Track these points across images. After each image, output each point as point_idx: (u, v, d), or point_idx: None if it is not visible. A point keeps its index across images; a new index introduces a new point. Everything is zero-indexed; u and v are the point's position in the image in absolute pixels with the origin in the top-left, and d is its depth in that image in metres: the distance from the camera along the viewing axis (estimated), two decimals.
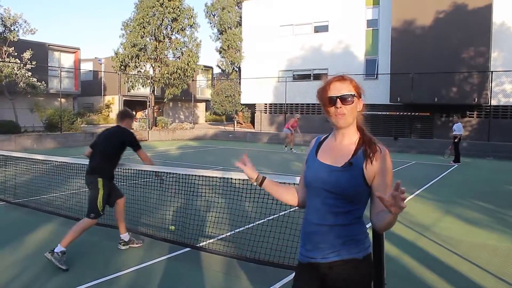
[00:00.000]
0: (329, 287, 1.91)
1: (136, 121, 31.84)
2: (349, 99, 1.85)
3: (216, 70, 36.92)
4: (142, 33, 24.43)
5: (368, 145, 1.87)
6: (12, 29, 21.06)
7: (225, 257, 4.78)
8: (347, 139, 1.92)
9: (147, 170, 5.63)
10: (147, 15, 24.22)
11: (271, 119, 28.34)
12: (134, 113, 39.26)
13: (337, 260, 1.87)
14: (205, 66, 39.09)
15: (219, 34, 31.38)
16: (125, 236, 5.09)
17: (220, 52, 31.15)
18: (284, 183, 4.42)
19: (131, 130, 5.15)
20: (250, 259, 4.60)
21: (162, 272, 4.37)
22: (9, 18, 20.64)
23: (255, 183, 2.21)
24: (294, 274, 2.10)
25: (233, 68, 31.25)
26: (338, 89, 1.86)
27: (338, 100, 1.84)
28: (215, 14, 31.62)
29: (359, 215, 1.90)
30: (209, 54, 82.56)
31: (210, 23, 32.66)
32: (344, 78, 1.89)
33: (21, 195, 7.70)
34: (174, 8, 24.58)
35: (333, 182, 1.85)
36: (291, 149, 18.30)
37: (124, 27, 24.68)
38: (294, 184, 4.00)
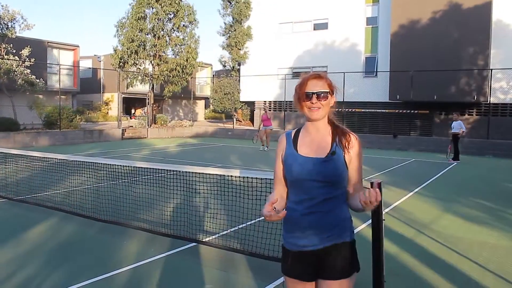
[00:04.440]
0: (322, 271, 2.06)
1: (135, 119, 31.86)
2: (323, 95, 2.04)
3: (216, 67, 36.67)
4: (140, 29, 24.39)
5: (342, 135, 2.08)
6: (10, 26, 20.98)
7: (227, 251, 4.80)
8: (321, 131, 2.11)
9: (148, 168, 5.63)
10: (144, 11, 24.23)
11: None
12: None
13: (329, 246, 2.03)
14: (204, 63, 39.01)
15: (232, 25, 29.71)
16: None
17: (228, 48, 29.90)
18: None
19: None
20: (251, 253, 4.62)
21: (164, 267, 4.37)
22: (6, 15, 20.56)
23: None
24: (282, 258, 2.18)
25: (239, 64, 30.45)
26: (314, 86, 2.05)
27: (313, 95, 2.04)
28: (233, 3, 30.07)
29: (344, 199, 2.09)
30: (209, 51, 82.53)
31: (224, 14, 30.89)
32: (321, 76, 2.08)
33: (22, 192, 7.70)
34: (171, 2, 24.56)
35: (321, 172, 2.01)
36: (266, 147, 17.81)
37: (119, 26, 24.59)
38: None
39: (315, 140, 2.09)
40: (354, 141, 2.07)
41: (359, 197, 1.91)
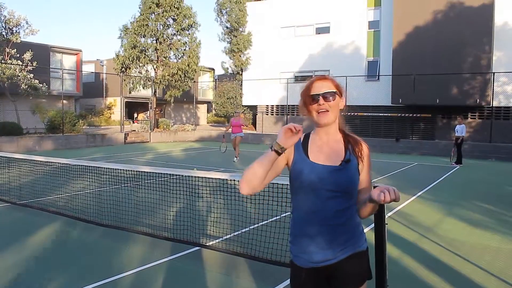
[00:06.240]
0: (337, 281, 1.98)
1: (137, 123, 31.96)
2: (331, 96, 1.92)
3: (218, 72, 36.72)
4: (144, 34, 24.53)
5: (355, 144, 1.99)
6: (14, 31, 21.12)
7: (229, 255, 4.81)
8: (332, 137, 2.00)
9: (150, 172, 5.65)
10: (148, 18, 24.36)
11: (273, 121, 28.36)
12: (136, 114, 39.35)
13: (345, 257, 1.95)
14: (206, 68, 39.08)
15: (231, 31, 29.93)
16: None
17: (231, 53, 29.93)
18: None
19: None
20: (254, 257, 4.62)
21: (167, 271, 4.38)
22: (12, 20, 20.70)
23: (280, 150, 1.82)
24: (292, 275, 2.04)
25: (241, 69, 30.47)
26: (320, 88, 1.93)
27: (320, 97, 1.91)
28: (225, 11, 30.36)
29: (356, 209, 1.98)
30: (212, 55, 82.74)
31: (220, 21, 31.26)
32: (326, 78, 1.97)
33: (25, 196, 7.73)
34: (171, 7, 24.68)
35: (335, 181, 1.89)
36: (235, 157, 14.76)
37: (124, 30, 24.70)
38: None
39: (327, 146, 1.97)
40: (366, 150, 2.01)
41: (372, 193, 1.73)
